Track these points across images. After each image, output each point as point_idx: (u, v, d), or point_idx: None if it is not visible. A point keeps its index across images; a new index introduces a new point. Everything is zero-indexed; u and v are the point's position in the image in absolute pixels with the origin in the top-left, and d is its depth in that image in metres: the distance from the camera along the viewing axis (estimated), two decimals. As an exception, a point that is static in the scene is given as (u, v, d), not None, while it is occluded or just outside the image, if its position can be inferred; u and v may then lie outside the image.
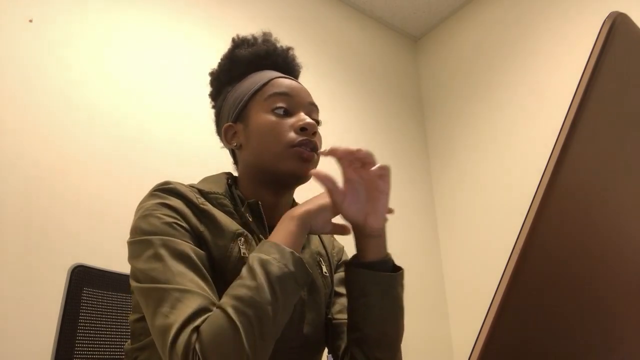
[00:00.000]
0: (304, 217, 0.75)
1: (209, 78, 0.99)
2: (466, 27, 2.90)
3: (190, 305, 0.65)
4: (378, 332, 0.79)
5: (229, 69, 0.96)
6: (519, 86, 2.53)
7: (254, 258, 0.69)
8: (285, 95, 0.88)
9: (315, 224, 0.77)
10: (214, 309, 0.66)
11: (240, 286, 0.66)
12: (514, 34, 2.62)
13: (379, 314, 0.79)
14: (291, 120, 0.86)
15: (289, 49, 0.99)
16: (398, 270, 0.81)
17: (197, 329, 0.63)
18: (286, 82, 0.91)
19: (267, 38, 0.98)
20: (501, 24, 2.70)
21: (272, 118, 0.86)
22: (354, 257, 0.83)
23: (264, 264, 0.67)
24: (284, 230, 0.74)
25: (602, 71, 0.39)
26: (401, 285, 0.81)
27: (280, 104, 0.87)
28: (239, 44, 0.97)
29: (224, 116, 0.94)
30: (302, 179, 0.86)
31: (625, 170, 0.43)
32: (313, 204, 0.77)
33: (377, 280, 0.78)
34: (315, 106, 0.91)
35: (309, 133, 0.85)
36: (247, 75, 0.94)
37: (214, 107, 1.00)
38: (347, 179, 0.77)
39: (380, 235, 0.80)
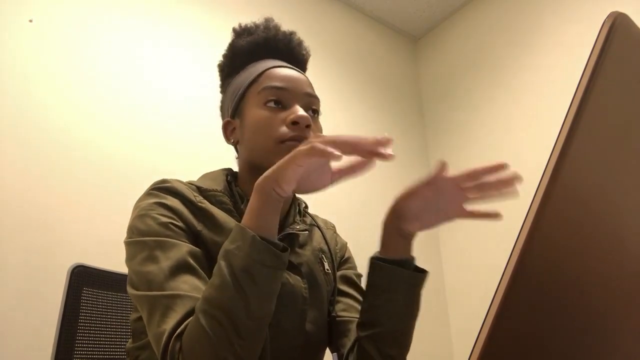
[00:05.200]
0: (261, 186, 0.66)
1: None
2: (466, 27, 2.90)
3: (179, 312, 0.64)
4: (397, 329, 0.79)
5: (230, 60, 0.92)
6: (519, 86, 2.53)
7: (221, 250, 0.67)
8: (277, 87, 0.83)
9: (298, 184, 0.66)
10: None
11: (209, 286, 0.65)
12: (514, 34, 2.62)
13: (402, 311, 0.79)
14: (284, 114, 0.81)
15: (291, 33, 0.93)
16: (422, 271, 0.81)
17: (180, 336, 0.63)
18: (281, 72, 0.85)
19: (267, 25, 0.92)
20: (501, 23, 2.70)
21: (264, 112, 0.81)
22: (379, 252, 0.82)
23: (227, 257, 0.64)
24: (248, 208, 0.67)
25: (602, 71, 0.39)
26: (422, 287, 0.81)
27: (272, 97, 0.82)
28: (239, 33, 0.93)
29: (224, 111, 0.92)
30: None
31: (625, 170, 0.43)
32: (275, 166, 0.66)
33: (405, 278, 0.78)
34: (313, 96, 0.86)
35: (301, 127, 0.79)
36: (247, 65, 0.90)
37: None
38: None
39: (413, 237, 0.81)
